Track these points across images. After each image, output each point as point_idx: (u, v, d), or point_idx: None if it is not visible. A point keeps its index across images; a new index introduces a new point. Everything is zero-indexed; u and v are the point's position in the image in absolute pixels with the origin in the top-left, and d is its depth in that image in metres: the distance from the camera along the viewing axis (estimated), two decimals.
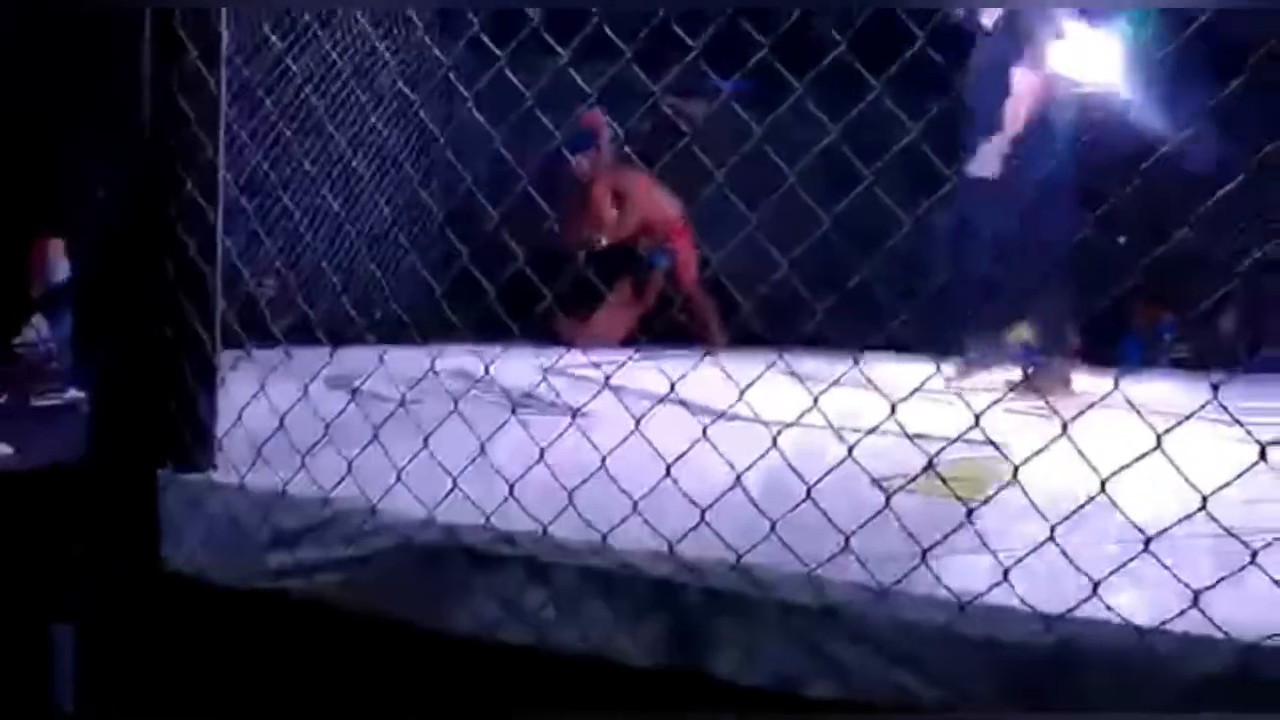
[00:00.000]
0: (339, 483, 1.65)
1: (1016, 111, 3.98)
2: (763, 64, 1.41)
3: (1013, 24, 4.25)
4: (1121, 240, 6.71)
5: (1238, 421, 1.11)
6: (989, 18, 4.24)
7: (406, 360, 1.82)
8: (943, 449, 1.28)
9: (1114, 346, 8.63)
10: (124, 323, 1.75)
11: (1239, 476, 1.10)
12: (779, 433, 1.39)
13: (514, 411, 1.57)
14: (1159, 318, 8.68)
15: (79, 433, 1.93)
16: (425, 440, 1.61)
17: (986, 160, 3.96)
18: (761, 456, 1.40)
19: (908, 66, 1.33)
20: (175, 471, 1.77)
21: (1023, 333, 9.05)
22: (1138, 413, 1.18)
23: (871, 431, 1.35)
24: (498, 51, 1.59)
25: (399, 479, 1.59)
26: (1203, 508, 1.12)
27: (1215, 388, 1.09)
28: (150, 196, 1.73)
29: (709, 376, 1.53)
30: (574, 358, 2.05)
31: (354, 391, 1.82)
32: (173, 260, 1.72)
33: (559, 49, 1.53)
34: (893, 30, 1.35)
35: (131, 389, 1.75)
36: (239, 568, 1.69)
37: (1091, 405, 1.24)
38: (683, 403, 1.65)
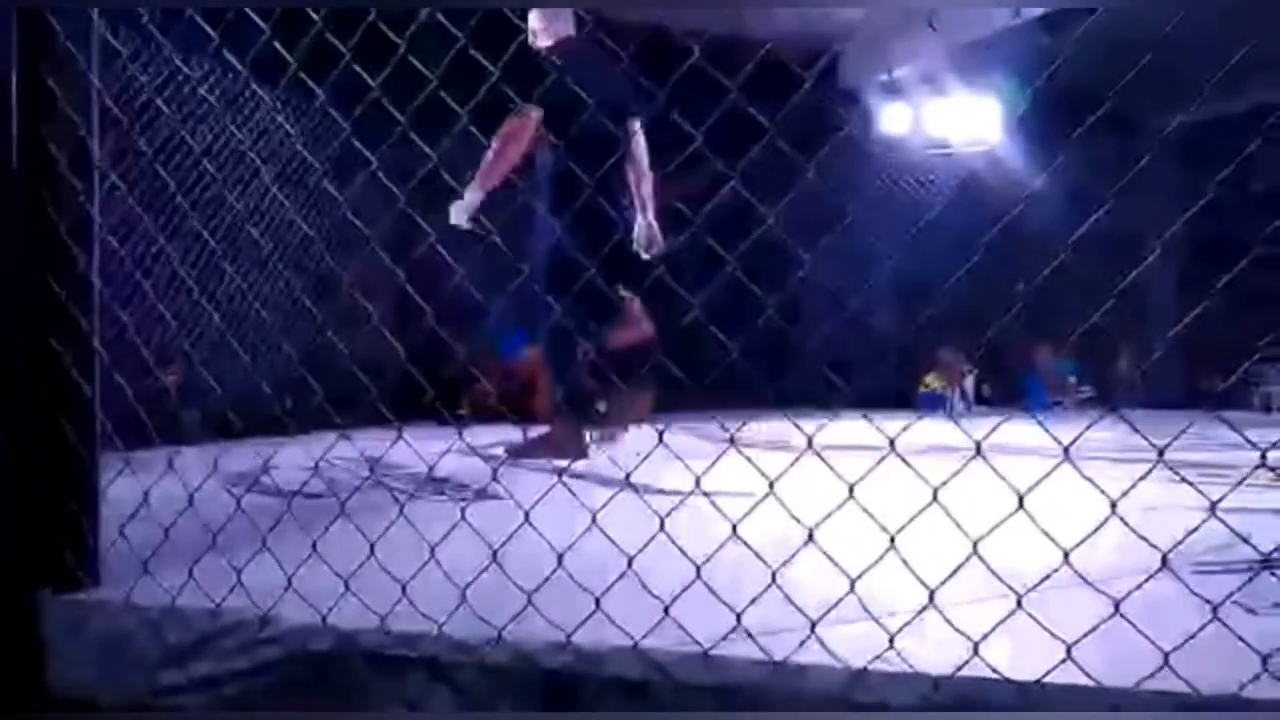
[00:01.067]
0: (230, 592, 1.60)
1: (489, 160, 3.71)
2: None
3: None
4: (1020, 287, 7.00)
5: (1088, 479, 1.16)
6: (547, 39, 3.92)
7: (316, 448, 1.80)
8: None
9: (1021, 388, 8.98)
10: None
11: (1095, 531, 1.15)
12: (669, 514, 1.41)
13: (402, 509, 1.55)
14: (1061, 360, 9.05)
15: None
16: (314, 545, 1.58)
17: (456, 210, 3.70)
18: (650, 540, 1.41)
19: None
20: (56, 592, 1.70)
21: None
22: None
23: (758, 504, 1.37)
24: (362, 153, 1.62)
25: (289, 585, 1.56)
26: (1065, 561, 1.17)
27: (1066, 450, 1.15)
28: (20, 310, 1.68)
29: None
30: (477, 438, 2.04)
31: (246, 491, 1.79)
32: (47, 375, 1.68)
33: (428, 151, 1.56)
34: None
35: (3, 511, 1.69)
36: (129, 689, 1.62)
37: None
38: (577, 476, 1.66)
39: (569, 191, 3.57)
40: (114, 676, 1.65)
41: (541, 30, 3.90)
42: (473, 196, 3.69)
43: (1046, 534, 1.17)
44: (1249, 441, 1.16)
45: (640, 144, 3.87)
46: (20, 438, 1.67)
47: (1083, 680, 1.15)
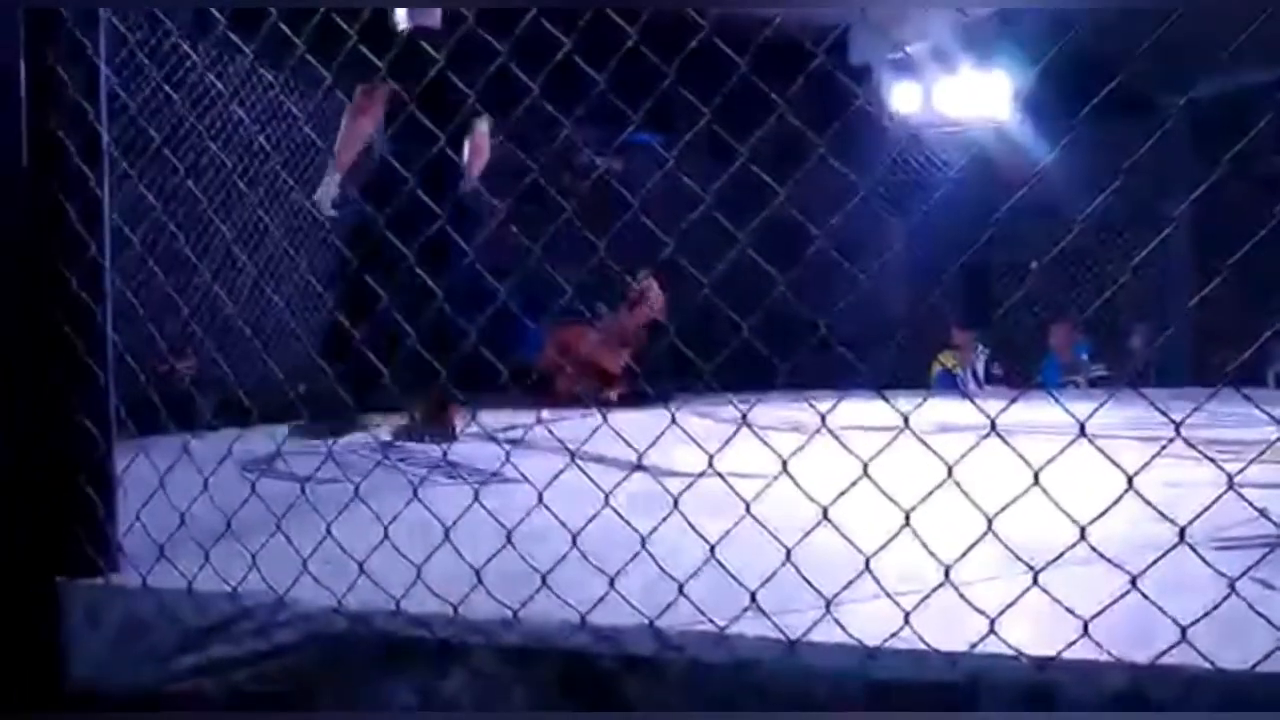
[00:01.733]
0: (245, 575, 1.61)
1: (340, 140, 3.60)
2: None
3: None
4: (1033, 266, 6.96)
5: (1105, 455, 1.15)
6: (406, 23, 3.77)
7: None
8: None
9: (1033, 366, 8.95)
10: (10, 431, 1.70)
11: (1111, 507, 1.14)
12: (682, 492, 1.41)
13: (415, 492, 1.55)
14: (1074, 339, 9.01)
15: None
16: (328, 528, 1.59)
17: (320, 199, 3.62)
18: (664, 519, 1.41)
19: None
20: (73, 578, 1.71)
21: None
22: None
23: (770, 484, 1.37)
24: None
25: (305, 568, 1.57)
26: (1082, 537, 1.16)
27: (1082, 426, 1.14)
28: (31, 298, 1.69)
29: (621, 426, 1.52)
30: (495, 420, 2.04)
31: (259, 477, 1.80)
32: (60, 362, 1.68)
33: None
34: None
35: (21, 498, 1.70)
36: (147, 674, 1.63)
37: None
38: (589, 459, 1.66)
39: (393, 173, 3.52)
40: (132, 660, 1.67)
41: (405, 14, 3.81)
42: (332, 180, 3.62)
43: (1063, 510, 1.17)
44: (1270, 416, 1.14)
45: (480, 144, 3.76)
46: (34, 425, 1.68)
47: (1099, 656, 1.14)
